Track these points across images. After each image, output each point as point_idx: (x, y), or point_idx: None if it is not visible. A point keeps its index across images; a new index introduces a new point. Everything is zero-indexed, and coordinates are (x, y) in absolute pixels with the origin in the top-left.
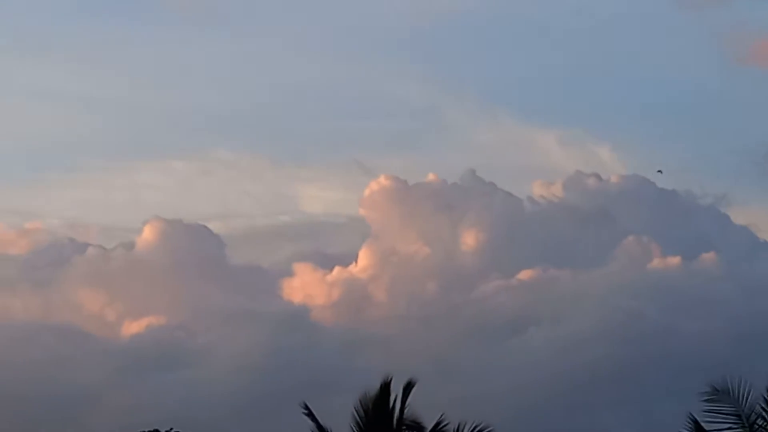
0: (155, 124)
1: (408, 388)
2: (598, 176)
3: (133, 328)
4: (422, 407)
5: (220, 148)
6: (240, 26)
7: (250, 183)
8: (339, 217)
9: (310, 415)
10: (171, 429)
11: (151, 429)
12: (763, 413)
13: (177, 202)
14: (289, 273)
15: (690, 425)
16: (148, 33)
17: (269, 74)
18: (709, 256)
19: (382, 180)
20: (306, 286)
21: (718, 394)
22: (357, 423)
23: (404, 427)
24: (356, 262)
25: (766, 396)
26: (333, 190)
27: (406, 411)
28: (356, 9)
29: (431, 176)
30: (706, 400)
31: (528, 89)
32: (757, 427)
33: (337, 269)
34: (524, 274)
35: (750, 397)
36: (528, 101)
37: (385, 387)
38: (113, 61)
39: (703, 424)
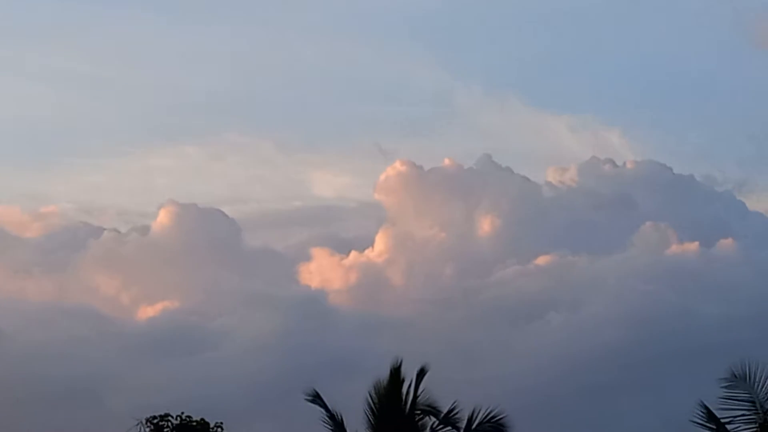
0: (168, 108)
1: (421, 374)
2: (612, 162)
3: (148, 311)
4: (439, 392)
5: (231, 132)
6: (254, 9)
7: (261, 168)
8: (351, 202)
9: (317, 401)
10: (182, 413)
11: (163, 413)
12: None
13: (190, 187)
14: (306, 257)
15: (702, 413)
16: (160, 17)
17: (282, 58)
18: (726, 242)
19: (398, 165)
20: (323, 270)
21: (736, 380)
22: (370, 408)
23: (418, 413)
24: (373, 246)
25: None
26: (345, 175)
27: (420, 396)
28: None
29: (447, 161)
30: (724, 387)
31: (537, 74)
32: None
33: (353, 254)
34: (542, 260)
35: (767, 383)
36: (537, 86)
37: (396, 372)
38: (127, 46)
39: (716, 412)
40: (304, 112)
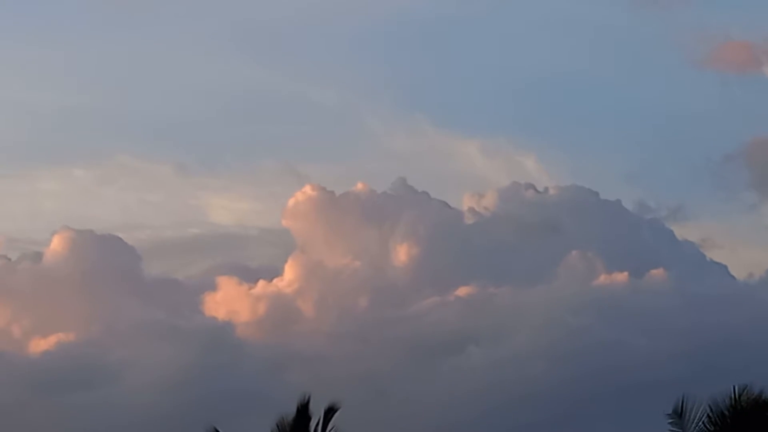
0: (54, 128)
1: (330, 411)
2: (534, 187)
3: (41, 344)
4: (352, 429)
5: (123, 154)
6: (148, 24)
7: (156, 192)
8: (253, 230)
9: None
10: None
11: None
12: None
13: (81, 212)
14: (210, 287)
15: None
16: (47, 31)
17: (178, 75)
18: (657, 273)
19: (308, 190)
20: (230, 301)
21: (674, 418)
22: None
23: None
24: (282, 276)
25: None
26: (246, 200)
27: None
28: (272, 12)
29: (360, 185)
30: (669, 423)
31: (445, 95)
32: None
33: (261, 283)
34: (462, 291)
35: (699, 421)
36: (446, 108)
37: (303, 409)
38: (10, 62)
39: None
40: (201, 134)
